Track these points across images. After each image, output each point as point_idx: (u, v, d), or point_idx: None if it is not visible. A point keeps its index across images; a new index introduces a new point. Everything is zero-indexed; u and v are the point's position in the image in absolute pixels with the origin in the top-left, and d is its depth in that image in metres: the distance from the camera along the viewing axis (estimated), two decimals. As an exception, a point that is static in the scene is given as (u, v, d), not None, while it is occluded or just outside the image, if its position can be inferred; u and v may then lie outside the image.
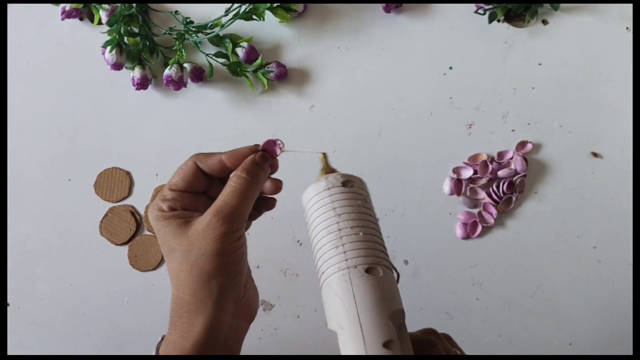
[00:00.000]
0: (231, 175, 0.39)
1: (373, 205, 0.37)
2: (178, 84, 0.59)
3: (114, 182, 0.61)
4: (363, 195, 0.36)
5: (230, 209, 0.37)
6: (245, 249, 0.39)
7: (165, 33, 0.61)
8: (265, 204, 0.43)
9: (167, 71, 0.59)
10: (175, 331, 0.37)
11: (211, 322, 0.36)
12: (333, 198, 0.35)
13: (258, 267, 0.58)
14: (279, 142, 0.41)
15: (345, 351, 0.30)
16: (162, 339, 0.38)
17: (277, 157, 0.42)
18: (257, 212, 0.43)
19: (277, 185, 0.42)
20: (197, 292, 0.36)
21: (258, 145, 0.40)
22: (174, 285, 0.38)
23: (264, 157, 0.40)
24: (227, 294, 0.37)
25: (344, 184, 0.36)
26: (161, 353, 0.37)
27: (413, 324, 0.58)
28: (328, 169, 0.40)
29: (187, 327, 0.37)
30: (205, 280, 0.36)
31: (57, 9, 0.63)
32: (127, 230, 0.60)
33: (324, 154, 0.42)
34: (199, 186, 0.40)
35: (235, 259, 0.37)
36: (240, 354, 0.53)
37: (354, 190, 0.36)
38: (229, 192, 0.38)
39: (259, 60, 0.60)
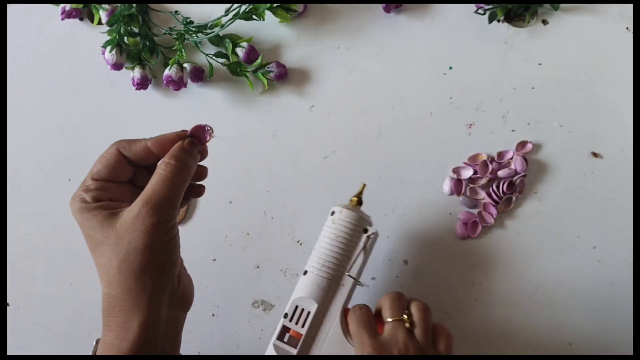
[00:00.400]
0: (159, 163, 0.37)
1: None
2: (178, 84, 0.59)
3: (114, 182, 0.61)
4: (350, 234, 0.50)
5: (160, 198, 0.35)
6: (178, 239, 0.37)
7: (165, 33, 0.61)
8: (193, 190, 0.42)
9: (167, 71, 0.59)
10: (110, 332, 0.34)
11: (147, 318, 0.34)
12: (335, 226, 0.50)
13: (258, 267, 0.58)
14: (208, 128, 0.39)
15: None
16: (97, 342, 0.36)
17: (206, 144, 0.40)
18: (185, 199, 0.40)
19: (203, 172, 0.41)
20: (129, 288, 0.34)
21: (186, 131, 0.38)
22: (103, 283, 0.35)
23: (193, 143, 0.38)
24: (161, 287, 0.35)
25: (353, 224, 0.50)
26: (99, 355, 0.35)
27: (413, 324, 0.58)
28: (358, 201, 0.53)
29: (122, 326, 0.34)
30: (137, 275, 0.34)
31: (57, 9, 0.63)
32: (127, 230, 0.60)
33: (364, 185, 0.54)
34: (123, 174, 0.38)
35: (168, 250, 0.35)
36: (241, 354, 0.53)
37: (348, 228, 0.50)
38: (158, 180, 0.35)
39: (259, 60, 0.60)
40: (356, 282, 0.49)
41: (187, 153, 0.37)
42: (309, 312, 0.47)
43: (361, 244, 0.50)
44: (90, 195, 0.36)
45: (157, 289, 0.35)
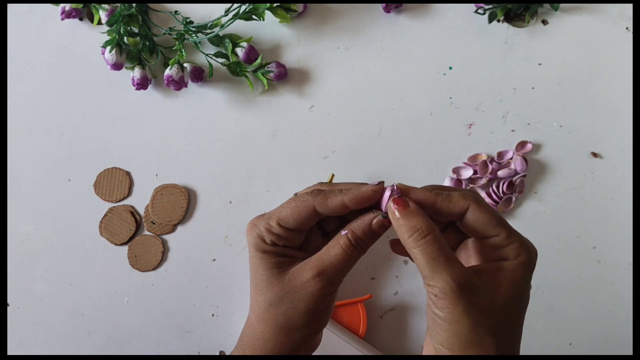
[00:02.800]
0: (342, 233, 0.35)
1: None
2: (179, 84, 0.59)
3: (114, 182, 0.61)
4: None
5: (335, 272, 0.34)
6: (334, 303, 0.37)
7: (165, 33, 0.61)
8: None
9: (167, 71, 0.59)
10: (237, 350, 0.37)
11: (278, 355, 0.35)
12: None
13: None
14: (395, 193, 0.34)
15: None
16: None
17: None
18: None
19: None
20: (278, 336, 0.35)
21: (382, 183, 0.35)
22: (254, 315, 0.36)
23: (384, 226, 0.35)
24: (306, 343, 0.36)
25: None
26: None
27: (414, 324, 0.59)
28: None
29: (255, 352, 0.36)
30: (290, 330, 0.35)
31: (57, 9, 0.63)
32: (127, 230, 0.60)
33: (333, 175, 0.54)
34: (309, 225, 0.37)
35: (325, 315, 0.36)
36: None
37: None
38: (338, 253, 0.34)
39: (258, 60, 0.60)
40: None
41: (373, 236, 0.35)
42: None
43: None
44: (269, 237, 0.36)
45: (302, 344, 0.36)
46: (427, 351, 0.36)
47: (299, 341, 0.35)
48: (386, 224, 0.34)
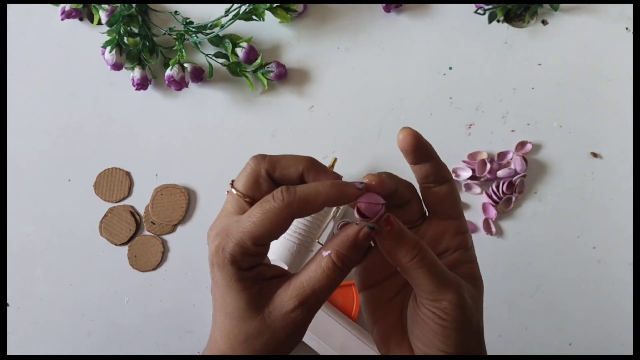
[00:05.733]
0: (324, 254, 0.30)
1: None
2: (180, 84, 0.59)
3: (114, 182, 0.61)
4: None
5: (317, 300, 0.31)
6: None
7: (165, 33, 0.61)
8: None
9: (168, 71, 0.59)
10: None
11: None
12: None
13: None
14: (382, 204, 0.30)
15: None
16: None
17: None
18: None
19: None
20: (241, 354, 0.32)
21: (362, 188, 0.30)
22: (227, 345, 0.32)
23: (369, 237, 0.30)
24: None
25: None
26: None
27: (413, 324, 0.58)
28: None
29: None
30: (260, 352, 0.32)
31: (57, 9, 0.63)
32: (127, 230, 0.60)
33: (335, 159, 0.56)
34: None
35: (300, 338, 0.33)
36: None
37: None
38: (320, 279, 0.30)
39: (258, 60, 0.60)
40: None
41: (358, 251, 0.30)
42: None
43: (331, 213, 0.54)
44: (247, 261, 0.31)
45: None
46: (397, 350, 0.33)
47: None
48: (374, 234, 0.30)
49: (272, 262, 0.48)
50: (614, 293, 0.57)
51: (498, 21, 0.61)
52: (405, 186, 0.33)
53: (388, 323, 0.34)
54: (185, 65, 0.60)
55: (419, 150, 0.33)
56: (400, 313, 0.34)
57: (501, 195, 0.57)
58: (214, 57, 0.60)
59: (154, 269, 0.60)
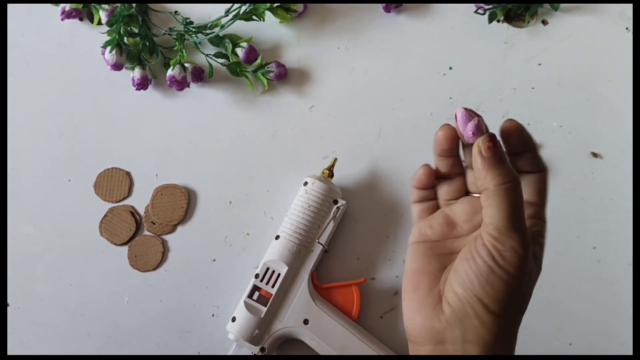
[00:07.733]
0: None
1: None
2: (181, 84, 0.59)
3: (114, 183, 0.61)
4: (321, 204, 0.54)
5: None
6: None
7: (165, 33, 0.61)
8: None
9: (169, 72, 0.59)
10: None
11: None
12: (308, 196, 0.54)
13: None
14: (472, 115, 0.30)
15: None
16: None
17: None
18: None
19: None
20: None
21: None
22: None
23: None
24: None
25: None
26: None
27: (413, 324, 0.58)
28: (329, 173, 0.56)
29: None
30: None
31: (57, 9, 0.63)
32: (127, 230, 0.60)
33: (335, 159, 0.57)
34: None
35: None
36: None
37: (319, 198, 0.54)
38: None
39: (258, 60, 0.60)
40: (324, 249, 0.54)
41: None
42: (279, 274, 0.52)
43: (331, 214, 0.54)
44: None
45: None
46: (424, 294, 0.33)
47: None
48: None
49: (272, 262, 0.49)
50: (614, 293, 0.57)
51: (498, 21, 0.61)
52: (527, 139, 0.34)
53: (426, 270, 0.34)
54: (186, 65, 0.60)
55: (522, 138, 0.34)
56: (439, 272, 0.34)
57: (501, 195, 0.57)
58: (214, 57, 0.60)
59: (154, 269, 0.60)
